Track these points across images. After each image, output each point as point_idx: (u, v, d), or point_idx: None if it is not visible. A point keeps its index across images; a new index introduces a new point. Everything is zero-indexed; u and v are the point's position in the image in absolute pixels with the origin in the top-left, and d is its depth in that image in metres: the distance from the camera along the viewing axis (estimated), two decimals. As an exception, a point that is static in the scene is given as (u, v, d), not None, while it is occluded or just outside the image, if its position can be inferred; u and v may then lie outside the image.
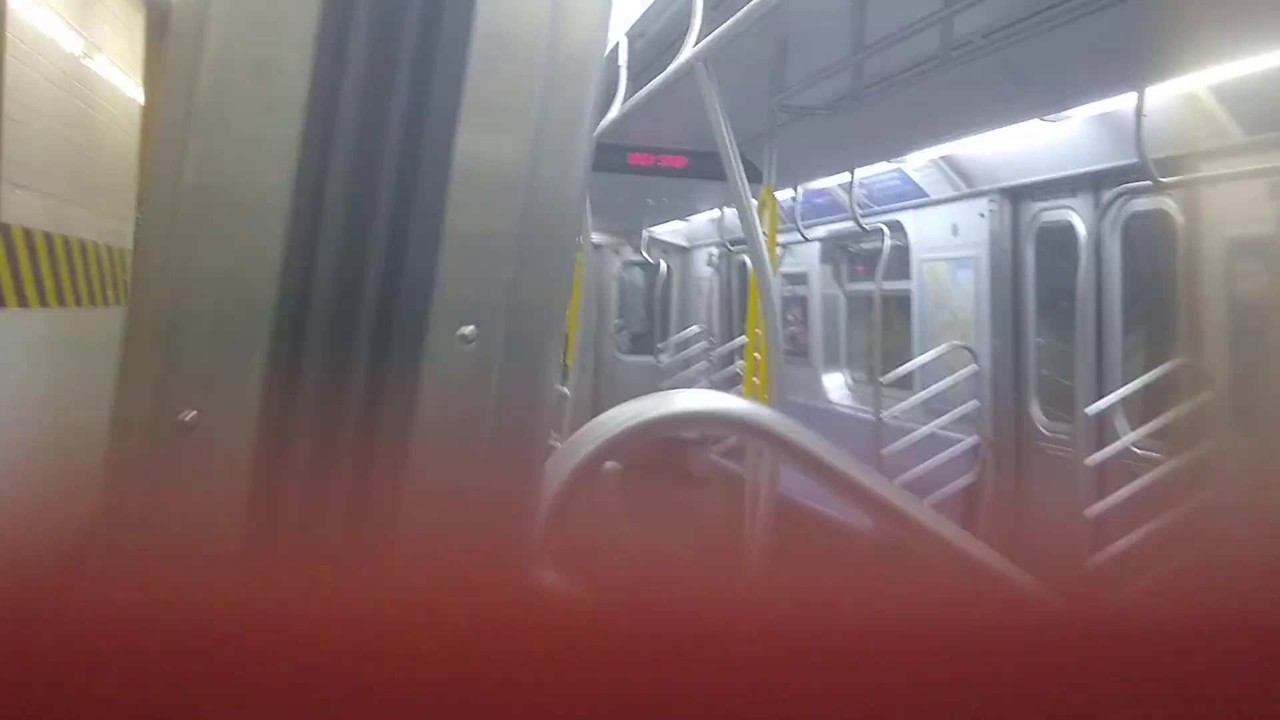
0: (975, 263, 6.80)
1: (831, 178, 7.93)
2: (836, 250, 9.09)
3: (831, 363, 9.24)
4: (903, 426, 7.25)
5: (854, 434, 7.96)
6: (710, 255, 11.94)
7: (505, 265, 1.21)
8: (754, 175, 8.33)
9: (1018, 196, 6.50)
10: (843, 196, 7.95)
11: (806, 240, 8.81)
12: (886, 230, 7.40)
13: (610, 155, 8.07)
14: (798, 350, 9.86)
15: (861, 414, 8.24)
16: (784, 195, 8.32)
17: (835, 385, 9.16)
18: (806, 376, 9.57)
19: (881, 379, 7.32)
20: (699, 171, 8.07)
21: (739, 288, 11.35)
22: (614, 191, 9.57)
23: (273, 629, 1.08)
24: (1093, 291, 5.93)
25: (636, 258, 12.66)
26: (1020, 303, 6.56)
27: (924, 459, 6.91)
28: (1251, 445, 4.84)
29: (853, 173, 7.25)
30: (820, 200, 8.57)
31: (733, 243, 11.01)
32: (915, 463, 6.93)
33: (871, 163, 7.08)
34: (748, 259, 10.84)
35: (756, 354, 8.90)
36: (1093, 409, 5.20)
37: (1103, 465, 5.71)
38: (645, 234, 12.29)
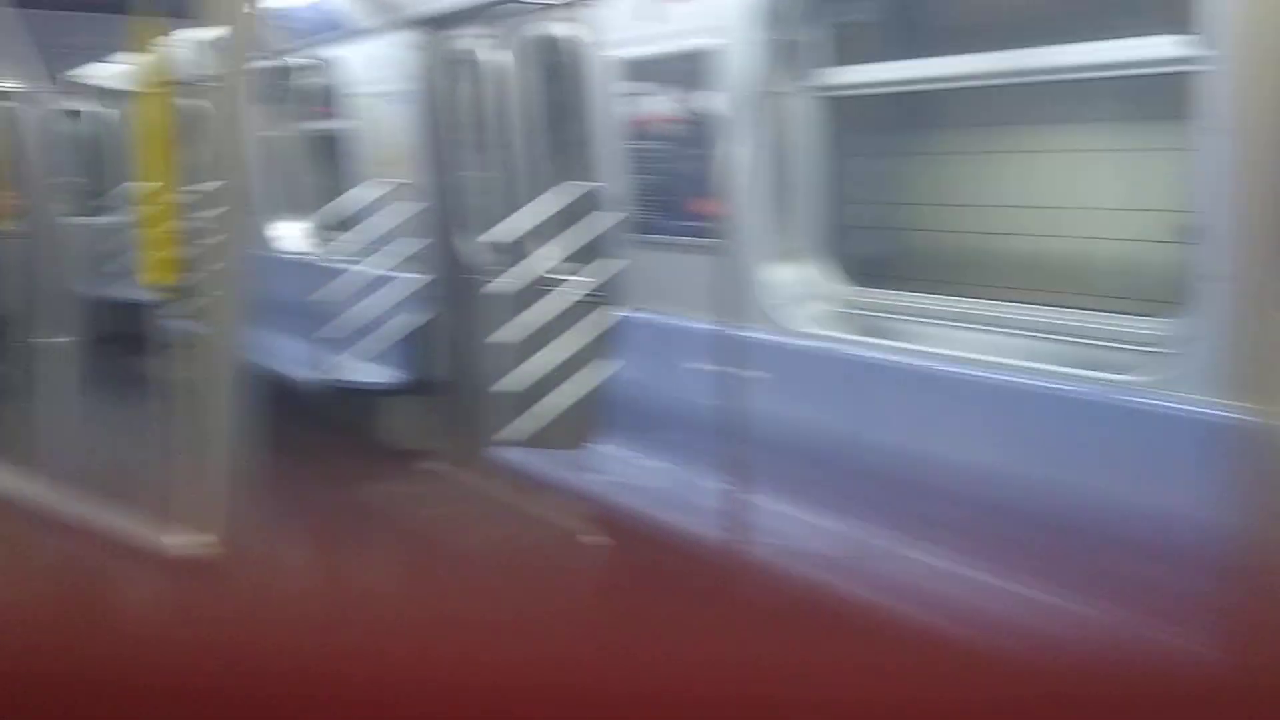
0: (405, 96, 6.64)
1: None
2: (276, 89, 8.57)
3: (281, 209, 8.81)
4: (351, 270, 7.09)
5: (307, 281, 7.65)
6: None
7: None
8: (176, 6, 7.64)
9: (436, 26, 6.36)
10: (272, 29, 7.47)
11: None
12: (313, 64, 7.02)
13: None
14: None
15: (318, 261, 7.91)
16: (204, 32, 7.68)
17: (286, 233, 8.75)
18: (262, 227, 9.10)
19: (321, 222, 7.06)
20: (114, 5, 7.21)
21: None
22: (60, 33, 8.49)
23: None
24: (510, 120, 5.98)
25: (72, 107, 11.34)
26: (448, 136, 6.50)
27: (375, 301, 6.81)
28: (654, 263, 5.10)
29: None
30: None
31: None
32: (364, 306, 6.82)
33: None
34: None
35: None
36: (489, 237, 5.25)
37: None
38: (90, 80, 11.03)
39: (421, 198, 6.70)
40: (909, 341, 4.18)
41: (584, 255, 5.57)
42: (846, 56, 4.50)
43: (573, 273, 5.56)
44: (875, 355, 4.16)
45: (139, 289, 10.06)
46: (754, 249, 4.48)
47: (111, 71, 11.03)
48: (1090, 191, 4.29)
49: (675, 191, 4.85)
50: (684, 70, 4.68)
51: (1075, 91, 4.26)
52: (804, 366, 4.39)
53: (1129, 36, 3.53)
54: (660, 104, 4.82)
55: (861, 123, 4.71)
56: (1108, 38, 3.58)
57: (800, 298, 4.50)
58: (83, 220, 11.53)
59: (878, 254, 4.76)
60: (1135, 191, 4.13)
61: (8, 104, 11.44)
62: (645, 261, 5.14)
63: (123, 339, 11.02)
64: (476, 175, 6.48)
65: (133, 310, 10.35)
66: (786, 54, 4.43)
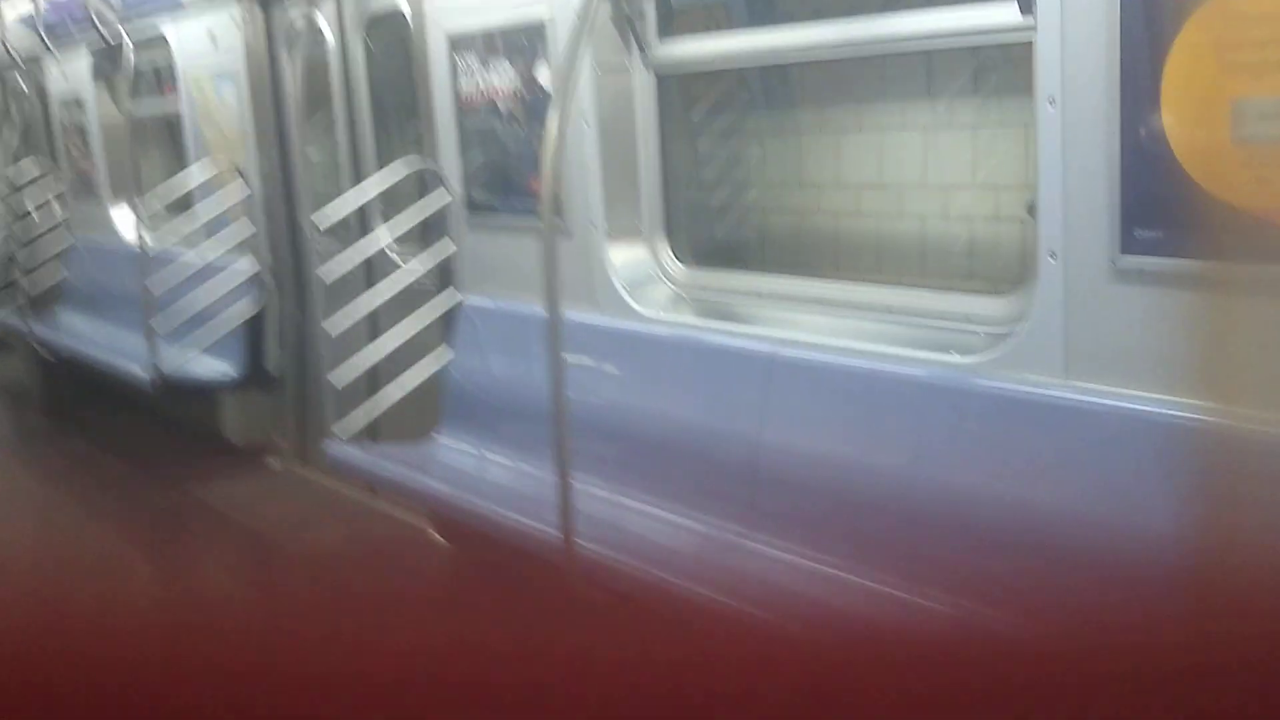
0: (235, 74, 6.28)
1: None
2: (111, 66, 8.09)
3: (122, 195, 8.32)
4: (181, 257, 6.71)
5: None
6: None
7: None
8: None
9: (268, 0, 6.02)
10: (101, 7, 7.03)
11: (53, 53, 7.72)
12: (129, 41, 6.61)
13: None
14: (87, 185, 8.84)
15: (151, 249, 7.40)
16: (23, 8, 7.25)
17: (127, 221, 8.28)
18: (100, 213, 8.62)
19: (157, 208, 6.68)
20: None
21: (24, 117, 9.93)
22: None
23: None
24: (347, 97, 5.68)
25: None
26: (283, 116, 6.15)
27: (206, 291, 6.44)
28: (488, 246, 4.86)
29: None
30: (79, 13, 7.51)
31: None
32: (198, 296, 6.44)
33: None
34: (22, 80, 9.47)
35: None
36: (318, 217, 4.96)
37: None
38: None
39: (253, 180, 6.36)
40: (754, 325, 4.02)
41: (420, 237, 5.30)
42: (686, 29, 4.32)
43: (408, 256, 5.29)
44: (719, 340, 3.99)
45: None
46: (590, 230, 4.28)
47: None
48: (938, 169, 4.18)
49: (512, 170, 4.62)
50: (517, 43, 4.45)
51: (923, 65, 4.15)
52: (646, 352, 4.21)
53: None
54: (494, 79, 4.58)
55: (704, 99, 4.54)
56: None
57: (640, 281, 4.31)
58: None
59: (722, 235, 4.59)
60: (985, 168, 4.04)
61: None
62: (483, 243, 4.90)
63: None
64: (313, 156, 6.17)
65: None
66: (623, 27, 4.23)
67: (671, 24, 4.29)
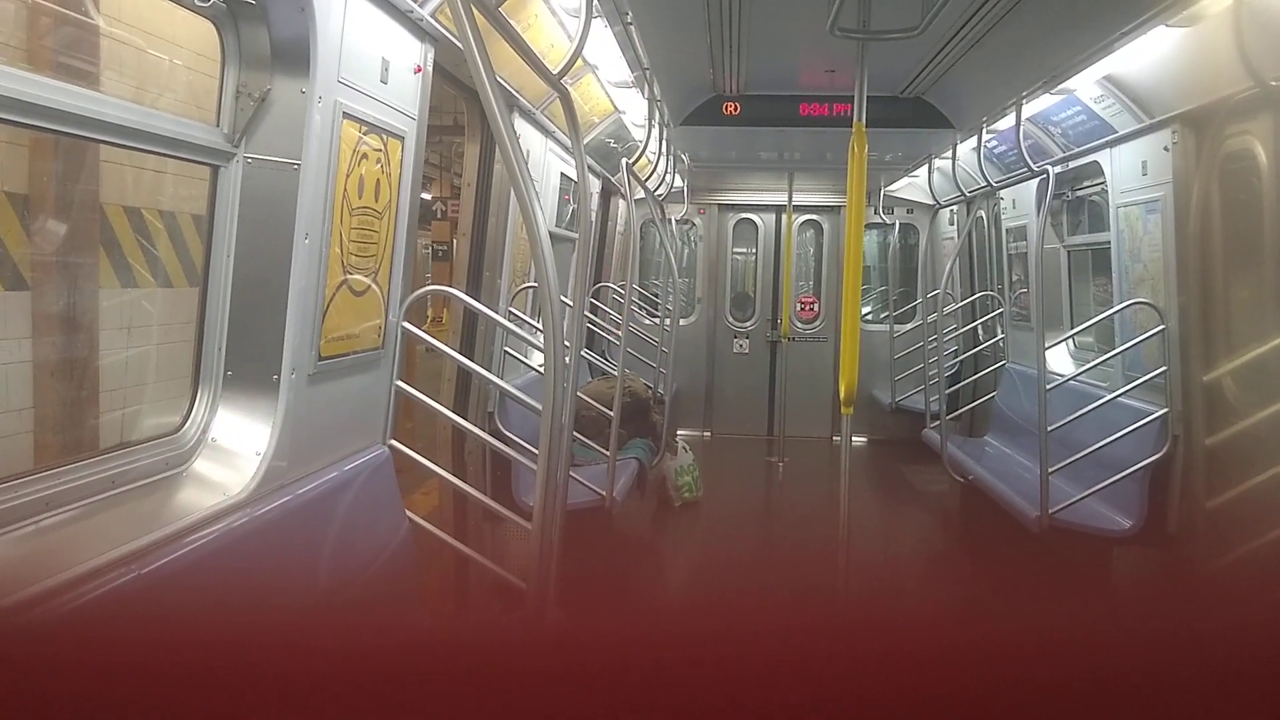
0: (1162, 205, 5.82)
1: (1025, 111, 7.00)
2: (1055, 199, 8.08)
3: (1052, 327, 8.23)
4: (1093, 395, 6.39)
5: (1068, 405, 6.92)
6: (951, 213, 11.03)
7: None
8: (938, 120, 7.61)
9: (1202, 123, 5.47)
10: (1042, 137, 7.08)
11: (993, 189, 7.87)
12: (1051, 173, 6.46)
13: (779, 107, 7.57)
14: (1022, 311, 8.93)
15: (1088, 386, 7.13)
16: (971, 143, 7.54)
17: (1058, 353, 8.14)
18: (1030, 340, 8.63)
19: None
20: (874, 119, 7.34)
21: (979, 245, 10.42)
22: (823, 146, 8.94)
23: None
24: (1277, 228, 4.93)
25: (873, 220, 11.73)
26: (1208, 250, 5.54)
27: (1111, 430, 6.00)
28: None
29: (1019, 108, 6.38)
30: (1028, 143, 7.64)
31: (971, 195, 9.93)
32: (1100, 435, 6.05)
33: (1033, 92, 6.18)
34: (984, 213, 9.94)
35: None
36: (1209, 377, 4.28)
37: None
38: (881, 193, 11.43)
39: (1170, 320, 5.82)
40: None
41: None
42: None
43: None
44: None
45: (922, 397, 10.11)
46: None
47: (908, 184, 11.37)
48: None
49: None
50: None
51: None
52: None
53: None
54: None
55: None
56: None
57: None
58: (881, 327, 12.02)
59: None
60: None
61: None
62: None
63: (896, 444, 11.26)
64: (1243, 296, 5.46)
65: (913, 417, 10.49)
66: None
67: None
